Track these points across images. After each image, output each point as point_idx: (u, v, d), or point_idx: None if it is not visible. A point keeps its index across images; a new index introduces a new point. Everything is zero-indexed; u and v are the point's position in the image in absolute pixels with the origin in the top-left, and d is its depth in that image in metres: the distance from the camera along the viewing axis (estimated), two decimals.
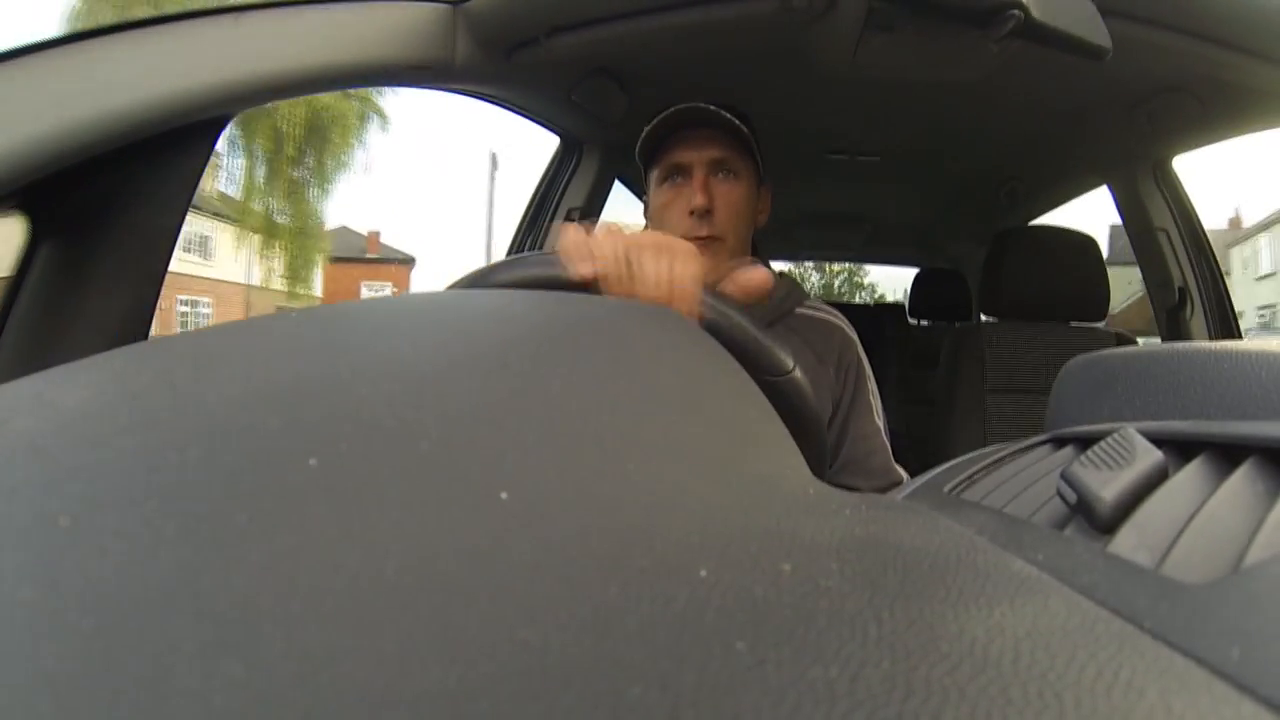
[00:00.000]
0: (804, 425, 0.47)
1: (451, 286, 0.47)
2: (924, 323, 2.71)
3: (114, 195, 0.61)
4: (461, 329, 0.24)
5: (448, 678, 0.11)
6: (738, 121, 0.86)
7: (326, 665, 0.10)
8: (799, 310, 0.94)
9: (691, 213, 0.87)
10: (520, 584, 0.13)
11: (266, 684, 0.10)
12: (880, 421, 0.89)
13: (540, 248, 1.49)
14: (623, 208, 1.64)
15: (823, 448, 0.51)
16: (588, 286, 0.46)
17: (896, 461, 0.88)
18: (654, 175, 0.94)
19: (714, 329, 0.44)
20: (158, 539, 0.12)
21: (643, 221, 1.00)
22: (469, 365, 0.21)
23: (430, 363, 0.20)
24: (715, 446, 0.23)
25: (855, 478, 0.85)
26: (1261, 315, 19.88)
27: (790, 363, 0.48)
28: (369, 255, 25.95)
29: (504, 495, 0.15)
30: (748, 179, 0.91)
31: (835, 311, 0.96)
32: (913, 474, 0.82)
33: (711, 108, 0.85)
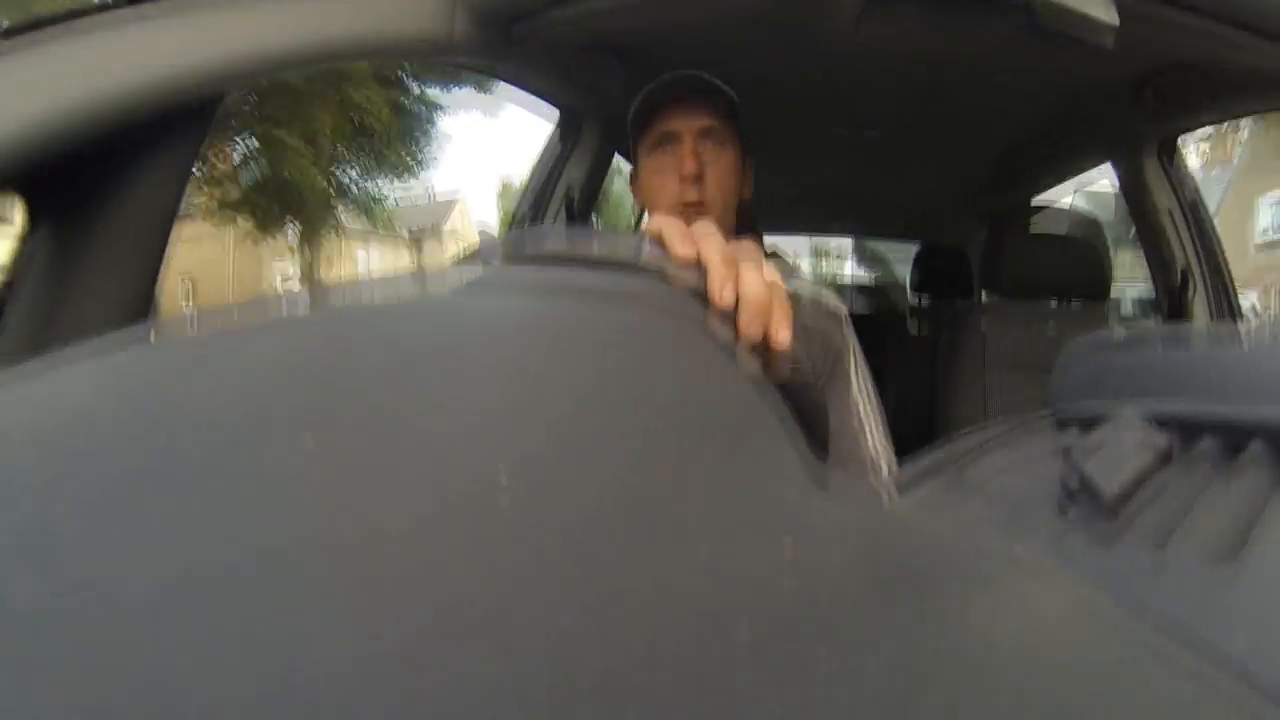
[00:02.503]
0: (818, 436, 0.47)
1: (526, 255, 0.38)
2: (925, 301, 2.70)
3: (112, 178, 0.60)
4: (460, 320, 0.24)
5: (447, 678, 0.11)
6: (726, 88, 0.87)
7: (326, 666, 0.11)
8: None
9: (682, 179, 0.88)
10: (520, 584, 0.13)
11: (266, 685, 0.10)
12: (862, 398, 0.88)
13: (542, 222, 1.48)
14: (624, 184, 1.63)
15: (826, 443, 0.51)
16: (689, 268, 0.43)
17: (894, 437, 0.87)
18: (643, 145, 0.95)
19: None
20: (156, 535, 0.12)
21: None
22: (469, 363, 0.20)
23: (431, 359, 0.20)
24: (715, 438, 0.23)
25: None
26: None
27: None
28: None
29: (505, 499, 0.15)
30: (734, 150, 0.92)
31: (824, 290, 0.97)
32: (912, 450, 0.80)
33: (702, 75, 0.87)
